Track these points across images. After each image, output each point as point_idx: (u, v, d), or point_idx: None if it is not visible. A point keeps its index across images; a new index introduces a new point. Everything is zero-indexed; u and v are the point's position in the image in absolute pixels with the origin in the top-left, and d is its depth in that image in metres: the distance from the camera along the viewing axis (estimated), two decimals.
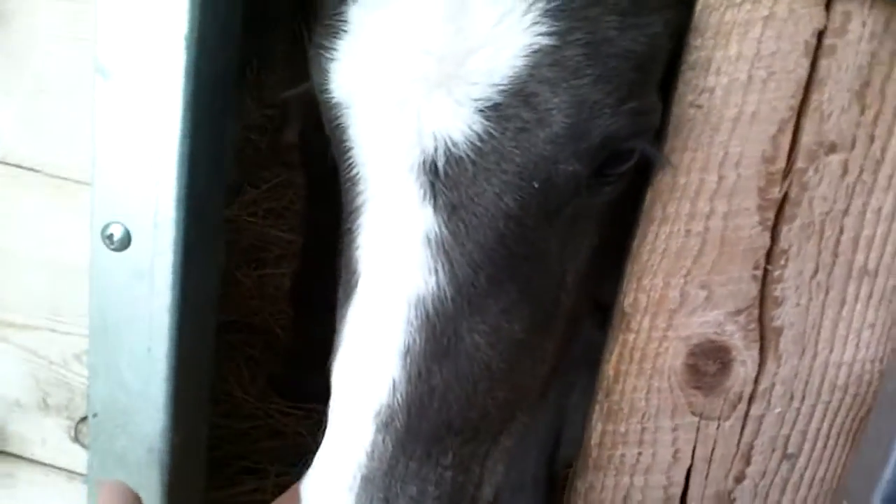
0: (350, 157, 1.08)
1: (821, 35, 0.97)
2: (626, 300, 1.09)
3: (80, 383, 1.18)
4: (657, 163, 1.04)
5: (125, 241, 1.06)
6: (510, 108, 1.00)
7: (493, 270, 1.03)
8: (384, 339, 1.02)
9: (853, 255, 1.03)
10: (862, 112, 0.99)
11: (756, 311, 1.06)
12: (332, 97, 1.07)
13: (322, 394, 3.57)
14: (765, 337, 1.07)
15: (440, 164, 1.01)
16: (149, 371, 1.10)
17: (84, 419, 1.18)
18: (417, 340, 1.02)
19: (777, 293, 1.05)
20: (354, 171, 1.08)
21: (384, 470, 1.01)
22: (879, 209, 1.01)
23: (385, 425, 1.00)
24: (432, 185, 1.02)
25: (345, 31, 1.05)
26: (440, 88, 1.00)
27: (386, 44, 1.02)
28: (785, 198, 1.03)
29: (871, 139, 1.00)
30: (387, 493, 1.01)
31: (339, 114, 1.08)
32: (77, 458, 1.22)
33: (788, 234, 1.03)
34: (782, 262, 1.04)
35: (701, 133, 1.02)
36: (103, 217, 1.07)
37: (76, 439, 1.20)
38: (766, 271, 1.05)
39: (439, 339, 1.03)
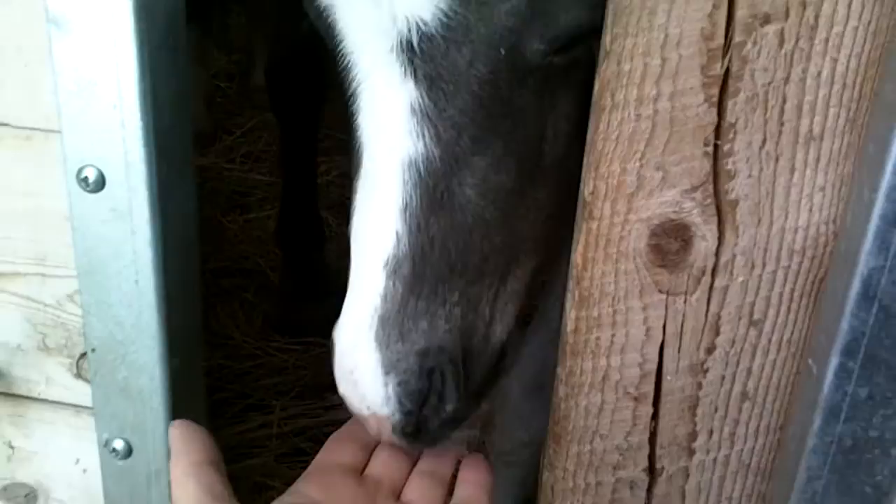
0: (341, 50, 1.22)
1: None
2: (587, 189, 1.14)
3: (75, 322, 1.23)
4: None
5: (100, 183, 1.10)
6: None
7: (475, 130, 1.19)
8: (385, 199, 1.17)
9: (798, 122, 1.07)
10: None
11: (711, 187, 1.11)
12: (320, 3, 1.23)
13: (318, 327, 3.67)
14: (721, 210, 1.11)
15: (415, 42, 1.15)
16: (139, 303, 1.14)
17: (83, 355, 1.23)
18: (413, 197, 1.17)
19: (729, 167, 1.10)
20: (346, 62, 1.22)
21: (397, 309, 1.18)
22: (818, 74, 1.05)
23: (394, 272, 1.18)
24: (411, 61, 1.16)
25: None
26: None
27: None
28: (727, 73, 1.06)
29: (804, 6, 1.02)
30: (401, 329, 1.18)
31: (327, 16, 1.22)
32: (81, 392, 1.27)
33: (734, 108, 1.07)
34: (731, 135, 1.08)
35: (640, 18, 1.05)
36: (76, 162, 1.10)
37: (78, 375, 1.25)
38: (716, 147, 1.09)
39: (433, 194, 1.18)
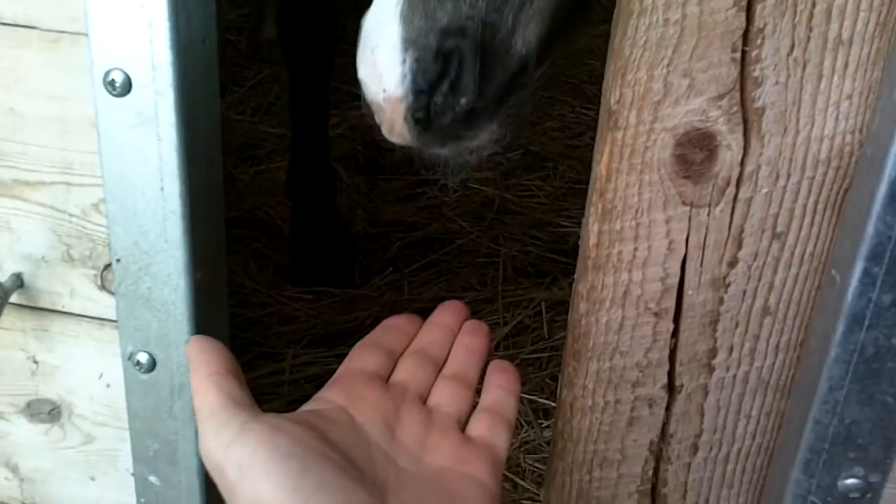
0: None
1: None
2: (612, 97, 1.13)
3: (100, 233, 1.23)
4: None
5: (126, 87, 1.10)
6: None
7: None
8: None
9: (827, 27, 1.06)
10: None
11: (737, 94, 1.10)
12: None
13: (329, 276, 3.67)
14: (747, 119, 1.11)
15: None
16: (164, 211, 1.15)
17: (108, 266, 1.23)
18: None
19: (756, 73, 1.09)
20: None
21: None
22: None
23: None
24: None
25: None
26: None
27: None
28: None
29: None
30: (426, 6, 1.21)
31: None
32: (105, 305, 1.28)
33: (763, 12, 1.06)
34: (759, 41, 1.08)
35: None
36: (103, 65, 1.10)
37: (102, 287, 1.26)
38: (744, 53, 1.08)
39: None
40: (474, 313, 3.26)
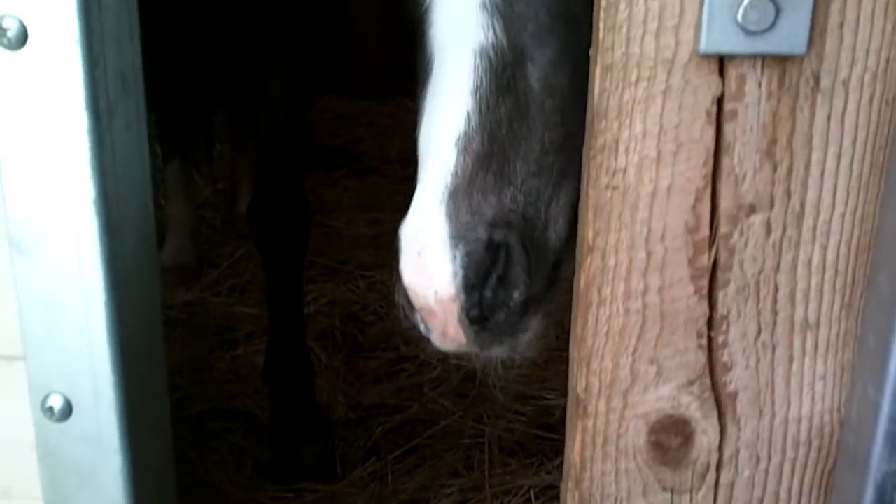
0: None
1: (720, 101, 0.97)
2: (579, 386, 1.08)
3: None
4: None
5: (66, 412, 1.04)
6: None
7: (537, 26, 1.29)
8: (457, 82, 1.27)
9: (793, 310, 1.03)
10: (774, 169, 0.99)
11: (708, 380, 1.06)
12: None
13: (311, 471, 3.54)
14: (721, 403, 1.06)
15: None
16: None
17: None
18: (483, 81, 1.27)
19: (725, 358, 1.05)
20: None
21: (467, 183, 1.24)
22: (809, 261, 1.01)
23: (465, 148, 1.25)
24: None
25: None
26: None
27: None
28: (715, 264, 1.02)
29: (789, 195, 0.99)
30: (471, 201, 1.24)
31: None
32: None
33: (725, 298, 1.03)
34: (724, 327, 1.04)
35: (621, 212, 1.02)
36: (41, 389, 1.05)
37: None
38: (710, 338, 1.04)
39: (500, 79, 1.27)
40: (461, 503, 3.15)
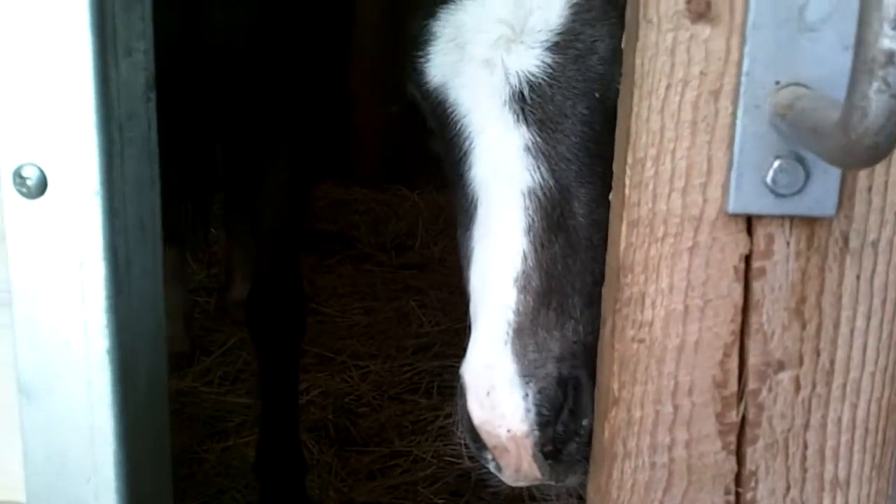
0: (453, 117, 1.45)
1: (748, 259, 0.97)
2: None
3: None
4: None
5: None
6: (567, 44, 1.37)
7: (579, 165, 1.35)
8: (509, 223, 1.32)
9: (822, 468, 1.01)
10: (803, 327, 0.98)
11: None
12: (430, 84, 1.49)
13: None
14: None
15: (525, 92, 1.37)
16: None
17: None
18: (535, 220, 1.32)
19: None
20: (458, 125, 1.44)
21: (531, 320, 1.27)
22: (839, 419, 1.00)
23: (524, 287, 1.28)
24: (522, 109, 1.37)
25: (430, 40, 1.48)
26: (514, 42, 1.38)
27: (466, 29, 1.43)
28: (744, 420, 1.00)
29: (818, 352, 0.98)
30: (536, 339, 1.26)
31: (438, 93, 1.48)
32: None
33: (754, 455, 1.01)
34: (752, 483, 1.02)
35: (648, 366, 1.01)
36: None
37: None
38: (738, 494, 1.02)
39: (551, 217, 1.32)
40: None
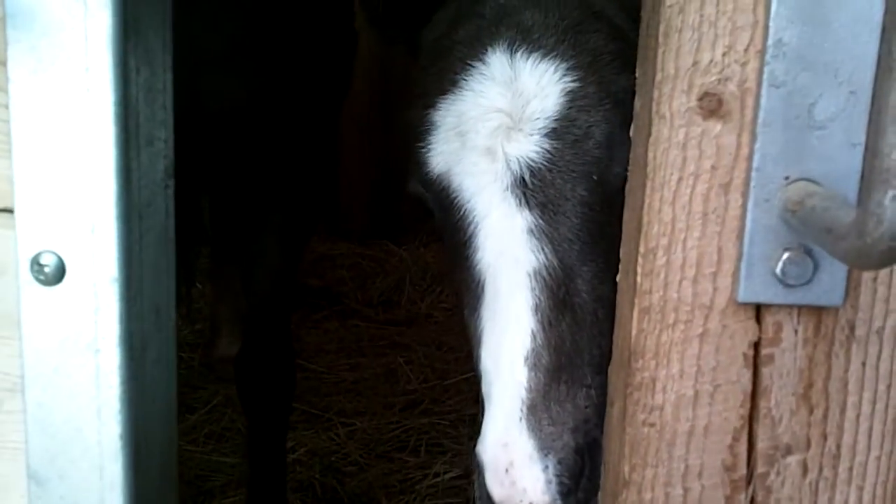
0: (457, 203, 1.50)
1: (757, 346, 0.99)
2: None
3: None
4: None
5: None
6: (564, 130, 1.44)
7: (581, 245, 1.40)
8: (517, 303, 1.36)
9: None
10: (811, 412, 1.00)
11: None
12: (433, 173, 1.54)
13: None
14: None
15: (527, 177, 1.43)
16: None
17: None
18: (542, 299, 1.36)
19: None
20: (462, 211, 1.49)
21: (542, 395, 1.30)
22: (846, 502, 1.01)
23: (535, 364, 1.32)
24: (524, 193, 1.42)
25: (431, 130, 1.54)
26: (513, 130, 1.45)
27: (466, 118, 1.49)
28: (752, 502, 1.02)
29: (825, 437, 1.00)
30: (549, 413, 1.30)
31: (440, 181, 1.53)
32: None
33: None
34: None
35: (658, 449, 1.02)
36: None
37: None
38: None
39: (557, 296, 1.37)
40: None
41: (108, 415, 0.98)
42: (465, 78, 1.52)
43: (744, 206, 0.95)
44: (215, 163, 2.86)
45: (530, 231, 1.40)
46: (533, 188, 1.43)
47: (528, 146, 1.44)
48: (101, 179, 0.94)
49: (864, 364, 0.98)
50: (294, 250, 3.19)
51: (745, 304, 0.97)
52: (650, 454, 1.02)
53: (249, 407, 3.26)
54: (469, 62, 1.53)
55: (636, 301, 1.00)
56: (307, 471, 3.99)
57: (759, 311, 0.98)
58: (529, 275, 1.37)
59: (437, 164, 1.54)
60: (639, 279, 0.99)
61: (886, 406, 0.99)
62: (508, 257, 1.40)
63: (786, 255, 0.93)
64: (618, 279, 1.12)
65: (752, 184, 0.94)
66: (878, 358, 0.98)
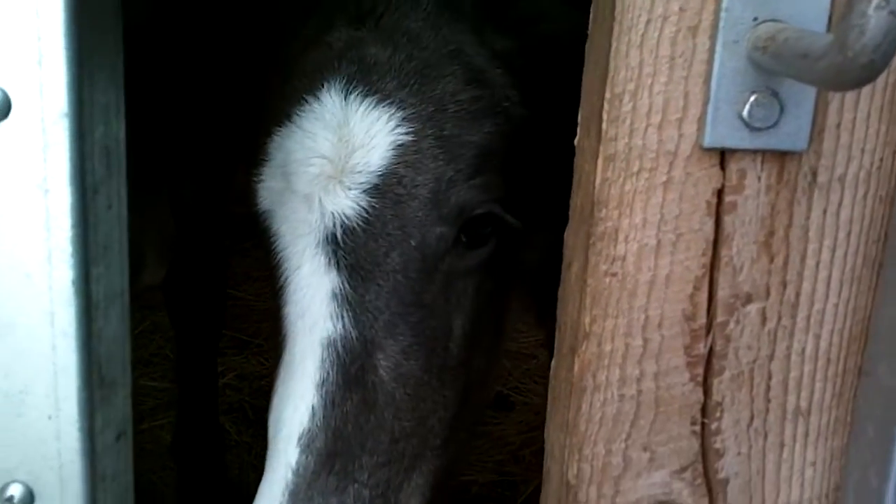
0: (275, 246, 1.39)
1: (720, 193, 1.00)
2: (570, 472, 1.07)
3: None
4: (511, 225, 1.40)
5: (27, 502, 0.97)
6: (387, 188, 1.32)
7: (389, 316, 1.31)
8: (303, 375, 1.27)
9: (785, 398, 1.04)
10: (771, 260, 1.01)
11: (700, 466, 1.06)
12: (260, 207, 1.43)
13: None
14: (712, 490, 1.06)
15: (339, 235, 1.32)
16: None
17: None
18: (330, 374, 1.26)
19: (717, 445, 1.05)
20: (279, 256, 1.38)
21: (308, 483, 1.22)
22: (803, 350, 1.03)
23: (307, 446, 1.24)
24: (335, 252, 1.32)
25: (265, 160, 1.42)
26: (333, 180, 1.33)
27: (293, 159, 1.37)
28: (711, 352, 1.03)
29: (784, 285, 1.02)
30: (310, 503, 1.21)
31: (265, 218, 1.42)
32: None
33: (720, 386, 1.04)
34: (717, 414, 1.04)
35: (619, 299, 1.02)
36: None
37: None
38: (703, 425, 1.05)
39: (349, 372, 1.27)
40: None
41: (60, 259, 0.94)
42: (299, 114, 1.38)
43: (711, 49, 0.94)
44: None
45: (334, 295, 1.30)
46: (344, 247, 1.31)
47: (345, 201, 1.32)
48: (48, 5, 0.88)
49: (825, 211, 1.00)
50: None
51: (710, 151, 0.97)
52: (611, 305, 1.02)
53: (180, 327, 3.22)
54: (305, 96, 1.38)
55: (601, 149, 0.99)
56: (237, 394, 3.98)
57: (723, 158, 0.98)
58: (322, 345, 1.28)
59: (264, 200, 1.42)
60: (604, 126, 0.98)
61: (846, 254, 1.01)
62: (307, 321, 1.30)
63: (753, 98, 0.93)
64: (576, 140, 1.11)
65: (721, 24, 0.93)
66: (840, 205, 1.00)
